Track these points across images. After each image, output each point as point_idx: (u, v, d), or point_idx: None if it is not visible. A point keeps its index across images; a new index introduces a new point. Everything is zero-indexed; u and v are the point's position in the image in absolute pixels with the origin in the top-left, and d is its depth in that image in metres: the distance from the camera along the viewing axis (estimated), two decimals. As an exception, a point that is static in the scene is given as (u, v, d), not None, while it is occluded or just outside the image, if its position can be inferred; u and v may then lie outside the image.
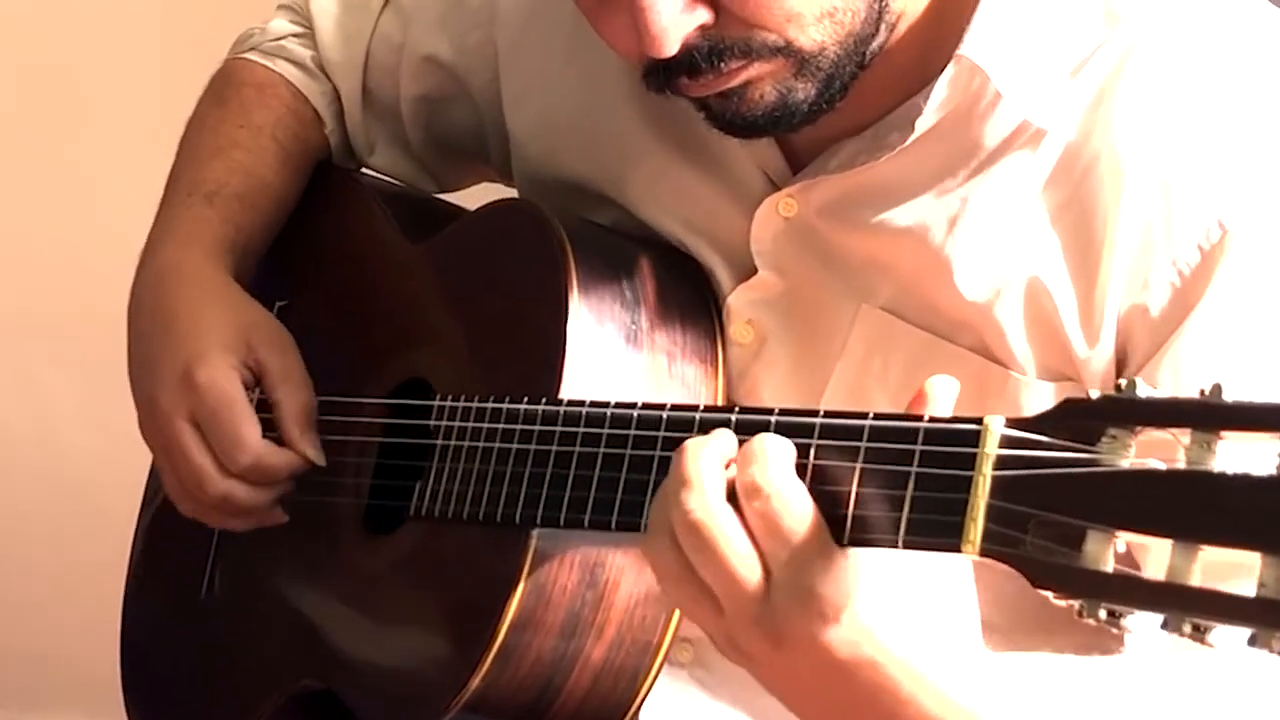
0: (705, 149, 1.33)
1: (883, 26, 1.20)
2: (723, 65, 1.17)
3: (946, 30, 1.22)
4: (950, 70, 1.21)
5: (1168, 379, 1.17)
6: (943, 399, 1.03)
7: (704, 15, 1.16)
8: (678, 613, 1.26)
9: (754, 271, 1.32)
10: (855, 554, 1.02)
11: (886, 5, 1.20)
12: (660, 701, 1.33)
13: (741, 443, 1.04)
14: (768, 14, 1.15)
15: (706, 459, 1.04)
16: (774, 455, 1.02)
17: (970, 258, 1.23)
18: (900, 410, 1.03)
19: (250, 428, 1.35)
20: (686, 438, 1.06)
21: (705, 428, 1.08)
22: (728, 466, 1.04)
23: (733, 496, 1.02)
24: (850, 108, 1.23)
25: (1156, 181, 1.19)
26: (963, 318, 1.24)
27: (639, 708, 1.28)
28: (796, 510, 1.01)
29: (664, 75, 1.20)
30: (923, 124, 1.22)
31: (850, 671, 1.03)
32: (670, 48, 1.16)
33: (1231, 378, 0.89)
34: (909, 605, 1.04)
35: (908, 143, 1.23)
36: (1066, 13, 1.23)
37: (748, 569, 1.01)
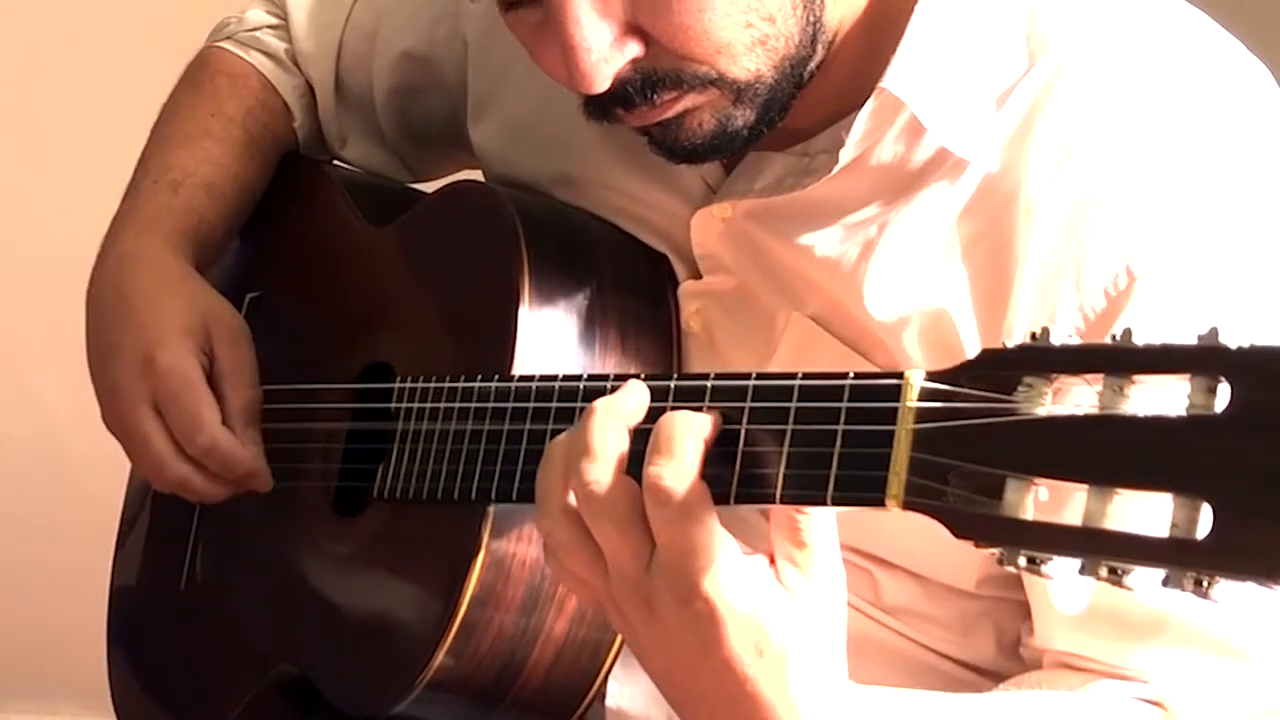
0: (652, 156, 1.31)
1: (819, 47, 1.19)
2: (655, 98, 1.16)
3: (879, 45, 1.20)
4: (871, 103, 1.19)
5: None
6: None
7: (635, 49, 1.15)
8: None
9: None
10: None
11: (821, 26, 1.18)
12: (627, 682, 1.32)
13: (662, 407, 1.04)
14: (697, 46, 1.14)
15: (613, 428, 1.03)
16: (680, 445, 1.01)
17: (881, 283, 1.21)
18: None
19: (209, 411, 1.36)
20: None
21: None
22: (633, 431, 1.04)
23: (634, 461, 1.02)
24: (787, 119, 1.22)
25: (1067, 222, 1.16)
26: (877, 338, 1.22)
27: (603, 683, 1.28)
28: (690, 496, 1.00)
29: (599, 107, 1.19)
30: (845, 155, 1.20)
31: (718, 659, 1.02)
32: (601, 84, 1.15)
33: None
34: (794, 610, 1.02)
35: (833, 173, 1.21)
36: (991, 41, 1.20)
37: (640, 540, 1.01)
